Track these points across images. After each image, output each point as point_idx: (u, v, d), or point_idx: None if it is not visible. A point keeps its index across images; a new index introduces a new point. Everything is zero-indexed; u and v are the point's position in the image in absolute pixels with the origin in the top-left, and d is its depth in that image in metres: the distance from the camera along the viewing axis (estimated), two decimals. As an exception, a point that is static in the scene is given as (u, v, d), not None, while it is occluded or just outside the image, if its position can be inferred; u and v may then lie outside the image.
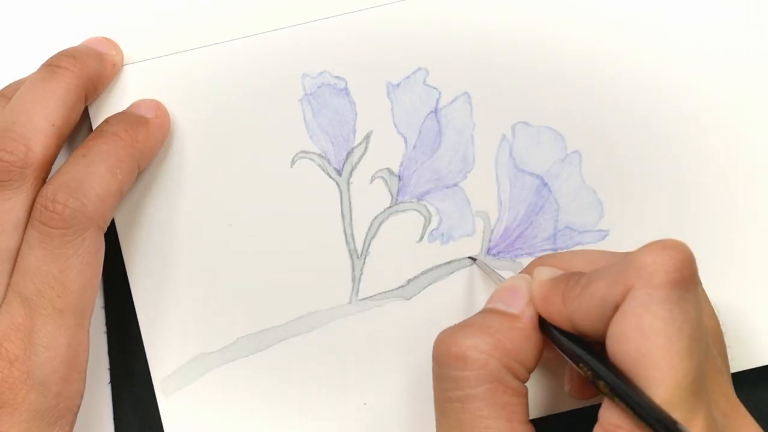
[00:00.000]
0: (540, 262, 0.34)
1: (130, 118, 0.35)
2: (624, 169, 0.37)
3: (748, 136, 0.37)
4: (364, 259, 0.37)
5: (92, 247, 0.32)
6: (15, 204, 0.33)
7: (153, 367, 0.37)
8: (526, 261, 0.37)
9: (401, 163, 0.37)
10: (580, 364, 0.29)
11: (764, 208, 0.37)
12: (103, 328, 0.38)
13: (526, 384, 0.30)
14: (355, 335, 0.37)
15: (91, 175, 0.33)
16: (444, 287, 0.37)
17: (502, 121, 0.37)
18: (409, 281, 0.37)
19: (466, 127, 0.37)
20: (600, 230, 0.37)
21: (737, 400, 0.29)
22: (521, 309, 0.30)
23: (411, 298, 0.37)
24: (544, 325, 0.30)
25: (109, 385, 0.38)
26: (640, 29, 0.37)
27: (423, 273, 0.37)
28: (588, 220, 0.37)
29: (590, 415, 0.29)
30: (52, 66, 0.35)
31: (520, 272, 0.34)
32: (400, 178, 0.37)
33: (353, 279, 0.37)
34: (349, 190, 0.37)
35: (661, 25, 0.37)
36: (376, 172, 0.37)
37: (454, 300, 0.37)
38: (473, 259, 0.37)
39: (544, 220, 0.37)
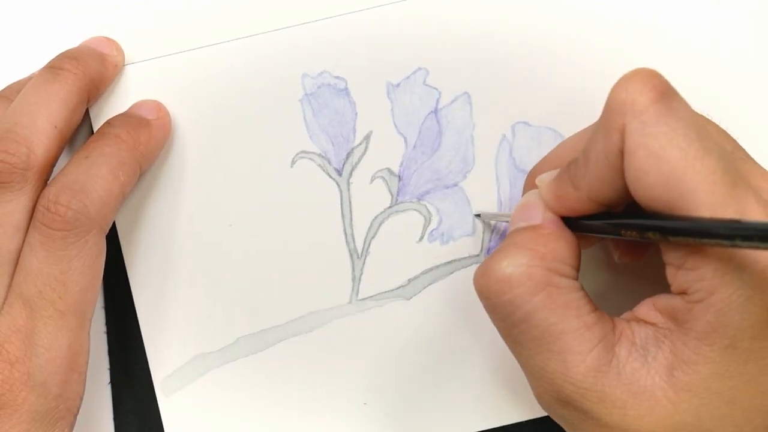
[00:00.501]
0: (533, 175, 0.34)
1: (132, 119, 0.35)
2: (624, 169, 0.37)
3: (748, 135, 0.37)
4: (364, 259, 0.37)
5: (94, 249, 0.33)
6: (17, 206, 0.33)
7: (153, 367, 0.37)
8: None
9: (401, 163, 0.37)
10: (621, 231, 0.28)
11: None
12: (103, 328, 0.38)
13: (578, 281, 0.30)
14: (355, 335, 0.37)
15: (93, 177, 0.33)
16: (444, 287, 0.37)
17: (502, 121, 0.37)
18: (409, 281, 0.37)
19: (466, 127, 0.37)
20: (600, 230, 0.37)
21: None
22: (541, 217, 0.30)
23: (411, 297, 0.37)
24: (571, 223, 0.30)
25: (109, 385, 0.38)
26: (639, 29, 0.37)
27: (423, 273, 0.37)
28: (588, 220, 0.37)
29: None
30: (54, 68, 0.34)
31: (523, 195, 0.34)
32: (400, 178, 0.37)
33: (353, 279, 0.37)
34: (349, 190, 0.37)
35: (661, 25, 0.37)
36: (376, 172, 0.37)
37: (454, 300, 0.37)
38: (478, 215, 0.37)
39: (544, 220, 0.37)
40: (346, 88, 0.37)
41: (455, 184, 0.37)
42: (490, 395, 0.37)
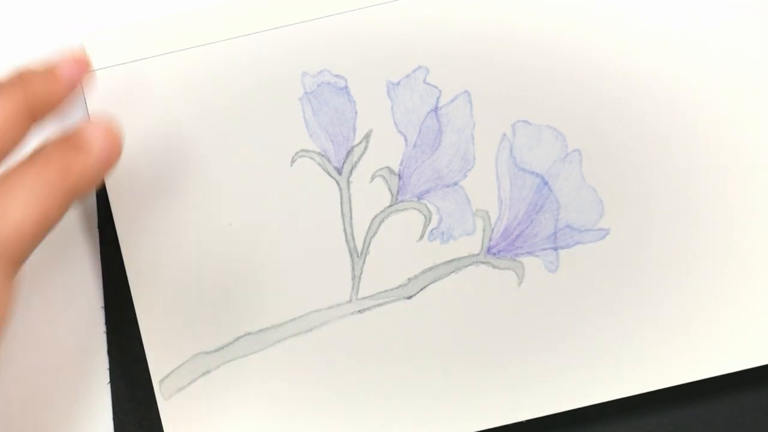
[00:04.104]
0: None
1: (69, 142, 0.31)
2: (624, 168, 0.37)
3: (747, 134, 0.37)
4: (365, 258, 0.37)
5: None
6: None
7: (153, 367, 0.37)
8: (526, 260, 0.37)
9: (401, 162, 0.37)
10: None
11: (764, 205, 0.37)
12: (103, 328, 0.38)
13: None
14: (356, 334, 0.37)
15: (5, 204, 0.29)
16: (444, 286, 0.37)
17: (503, 120, 0.37)
18: (409, 280, 0.37)
19: (467, 126, 0.37)
20: (601, 229, 0.37)
21: None
22: None
23: (411, 297, 0.37)
24: None
25: (109, 385, 0.38)
26: (640, 28, 0.37)
27: (423, 272, 0.37)
28: (589, 219, 0.37)
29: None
30: None
31: None
32: (400, 176, 0.37)
33: (353, 278, 0.37)
34: (349, 188, 0.37)
35: (661, 23, 0.37)
36: (377, 171, 0.37)
37: (454, 299, 0.37)
38: None
39: (545, 219, 0.37)
40: (346, 87, 0.37)
41: (455, 183, 0.37)
42: (490, 395, 0.37)
